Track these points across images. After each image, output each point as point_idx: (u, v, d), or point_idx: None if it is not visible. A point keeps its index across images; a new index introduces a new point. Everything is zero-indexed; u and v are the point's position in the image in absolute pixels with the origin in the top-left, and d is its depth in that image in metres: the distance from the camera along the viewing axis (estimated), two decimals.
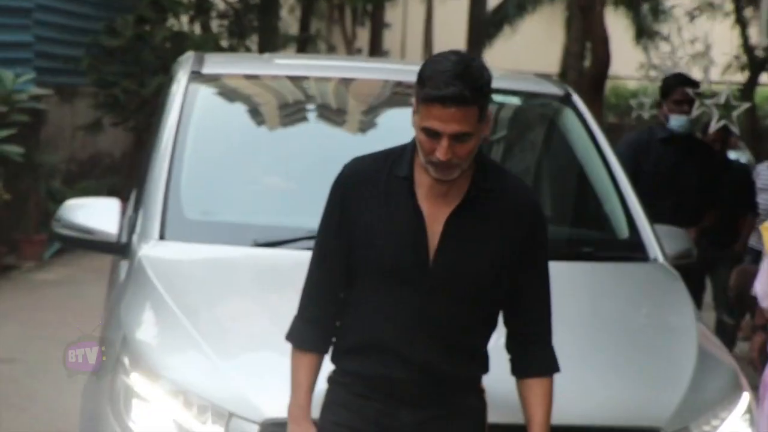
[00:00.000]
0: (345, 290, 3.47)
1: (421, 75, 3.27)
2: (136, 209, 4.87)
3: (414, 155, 3.38)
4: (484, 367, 3.52)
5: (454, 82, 3.20)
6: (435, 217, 3.36)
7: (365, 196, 3.41)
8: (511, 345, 3.52)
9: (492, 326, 3.49)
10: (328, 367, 3.51)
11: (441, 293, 3.36)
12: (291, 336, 3.52)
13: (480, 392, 3.53)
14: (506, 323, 3.51)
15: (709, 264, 9.21)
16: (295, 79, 5.67)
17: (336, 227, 3.44)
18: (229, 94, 5.60)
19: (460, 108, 3.20)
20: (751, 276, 9.12)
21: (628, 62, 18.54)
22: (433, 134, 3.23)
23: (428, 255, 3.36)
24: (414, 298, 3.36)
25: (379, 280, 3.39)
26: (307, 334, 3.49)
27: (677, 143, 7.67)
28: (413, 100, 3.32)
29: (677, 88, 7.61)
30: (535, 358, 3.50)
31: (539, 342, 3.51)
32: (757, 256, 9.04)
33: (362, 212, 3.40)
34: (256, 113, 5.56)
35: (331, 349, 3.50)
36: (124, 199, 5.29)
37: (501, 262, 3.40)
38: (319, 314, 3.48)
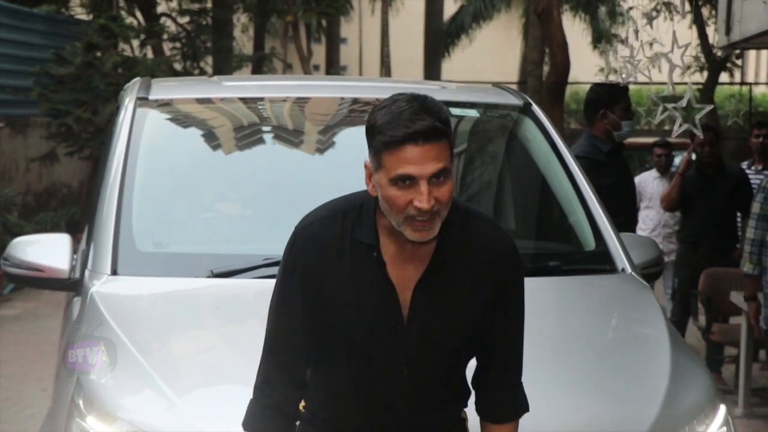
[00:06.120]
0: (309, 370, 3.19)
1: (374, 125, 2.91)
2: (88, 243, 4.72)
3: (376, 218, 3.07)
4: (466, 400, 3.32)
5: (421, 116, 2.86)
6: (404, 285, 3.08)
7: (329, 266, 3.07)
8: (479, 384, 3.29)
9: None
10: None
11: (418, 359, 3.11)
12: (248, 425, 3.19)
13: (463, 421, 3.34)
14: (478, 360, 3.28)
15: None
16: (246, 101, 5.54)
17: (299, 303, 3.10)
18: (178, 119, 5.45)
19: (434, 143, 2.85)
20: (721, 278, 9.10)
21: (588, 67, 18.52)
22: (406, 183, 2.87)
23: (402, 325, 3.09)
24: (391, 368, 3.11)
25: (351, 357, 3.12)
26: (267, 424, 3.16)
27: (619, 151, 7.50)
28: (366, 164, 3.00)
29: (624, 95, 7.45)
30: (504, 402, 3.29)
31: (509, 386, 3.28)
32: None
33: (327, 283, 3.07)
34: (206, 138, 5.41)
35: None
36: (81, 230, 5.15)
37: (477, 317, 3.14)
38: (280, 400, 3.16)
